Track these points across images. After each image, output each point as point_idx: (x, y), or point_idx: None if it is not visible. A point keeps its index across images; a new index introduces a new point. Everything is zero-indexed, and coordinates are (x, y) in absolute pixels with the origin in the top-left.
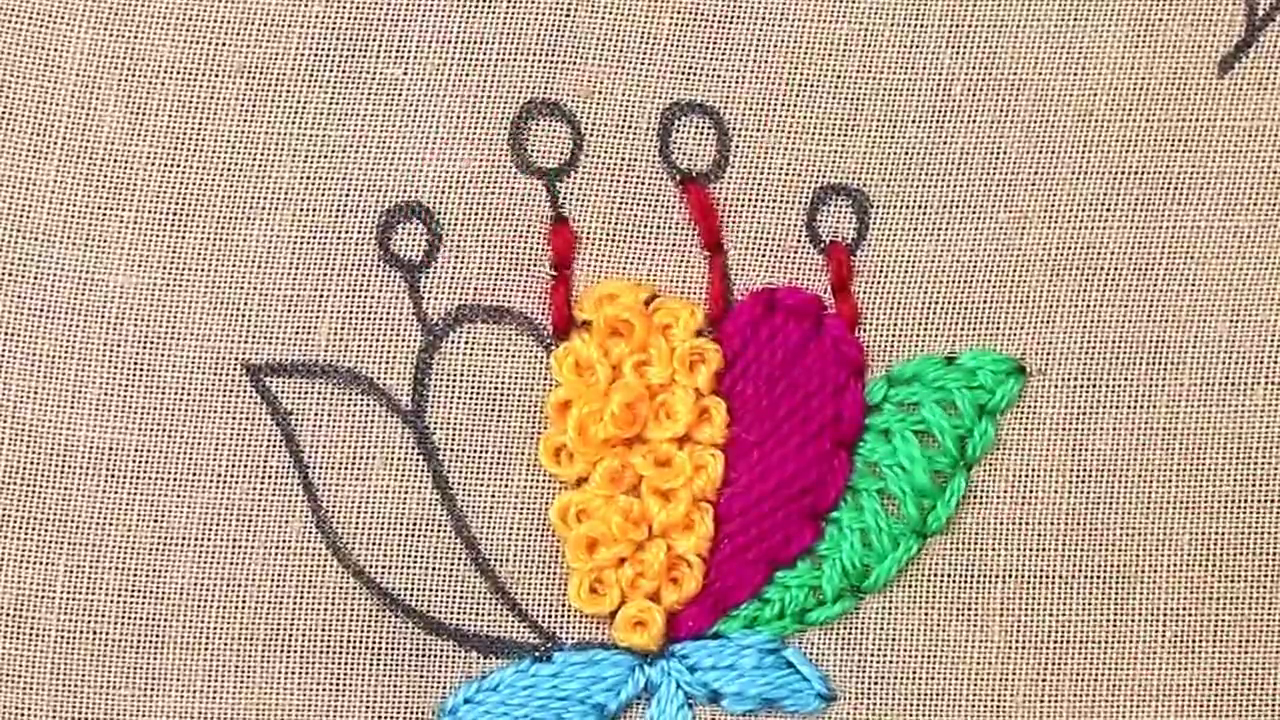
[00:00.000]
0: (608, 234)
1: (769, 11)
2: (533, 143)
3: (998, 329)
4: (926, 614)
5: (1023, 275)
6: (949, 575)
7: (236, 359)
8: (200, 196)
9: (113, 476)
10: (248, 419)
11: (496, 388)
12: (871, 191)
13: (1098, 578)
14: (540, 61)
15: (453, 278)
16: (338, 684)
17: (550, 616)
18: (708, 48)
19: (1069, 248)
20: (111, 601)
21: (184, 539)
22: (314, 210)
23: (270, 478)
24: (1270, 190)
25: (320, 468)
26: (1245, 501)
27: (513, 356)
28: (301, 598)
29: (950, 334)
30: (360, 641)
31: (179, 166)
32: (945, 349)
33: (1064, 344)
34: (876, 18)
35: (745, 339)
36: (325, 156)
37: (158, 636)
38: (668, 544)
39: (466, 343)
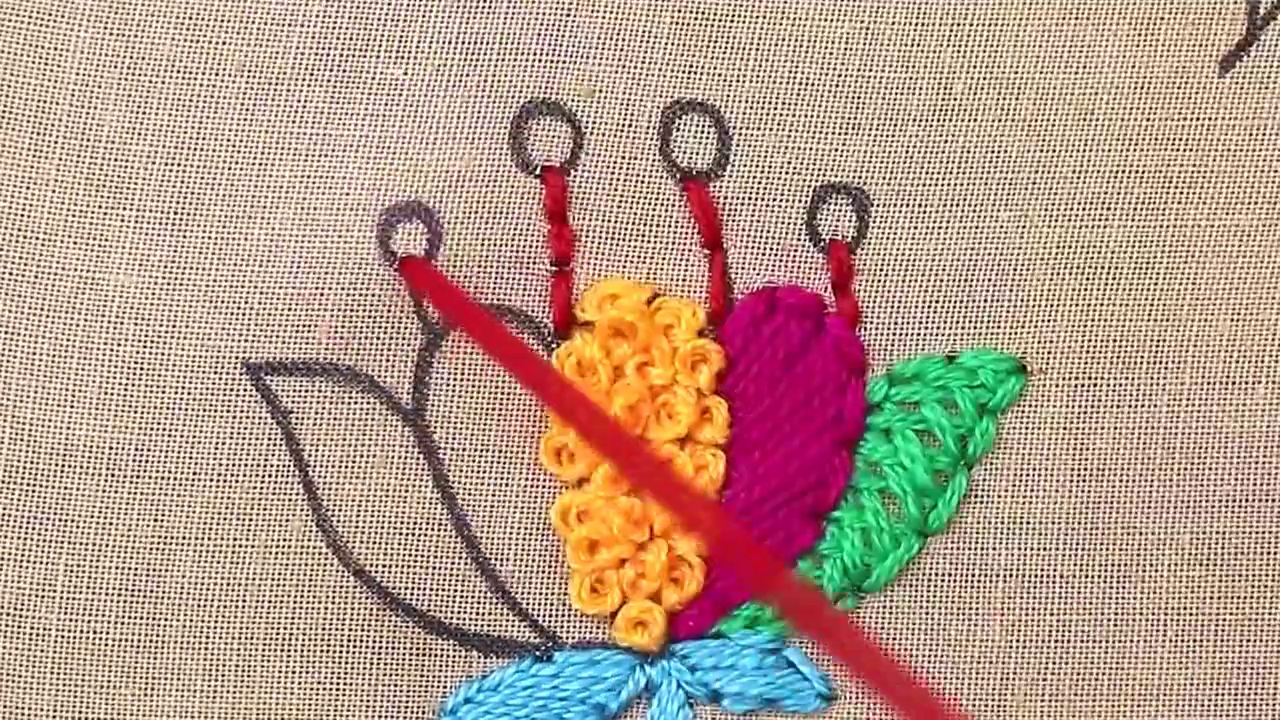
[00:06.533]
0: (608, 233)
1: (769, 11)
2: (533, 142)
3: (998, 329)
4: (927, 614)
5: (1023, 275)
6: (950, 575)
7: (236, 359)
8: (200, 196)
9: (113, 476)
10: (248, 419)
11: (497, 388)
12: (872, 190)
13: (1098, 578)
14: (540, 61)
15: (453, 277)
16: (338, 684)
17: (551, 616)
18: (708, 47)
19: (1069, 247)
20: (111, 601)
21: (184, 539)
22: (314, 210)
23: (270, 477)
24: (1270, 190)
25: (320, 467)
26: (1245, 502)
27: None
28: (301, 598)
29: (951, 333)
30: (360, 641)
31: (179, 166)
32: (946, 348)
33: (1064, 344)
34: (877, 17)
35: (746, 339)
36: (325, 156)
37: (158, 636)
38: (669, 544)
39: (467, 342)
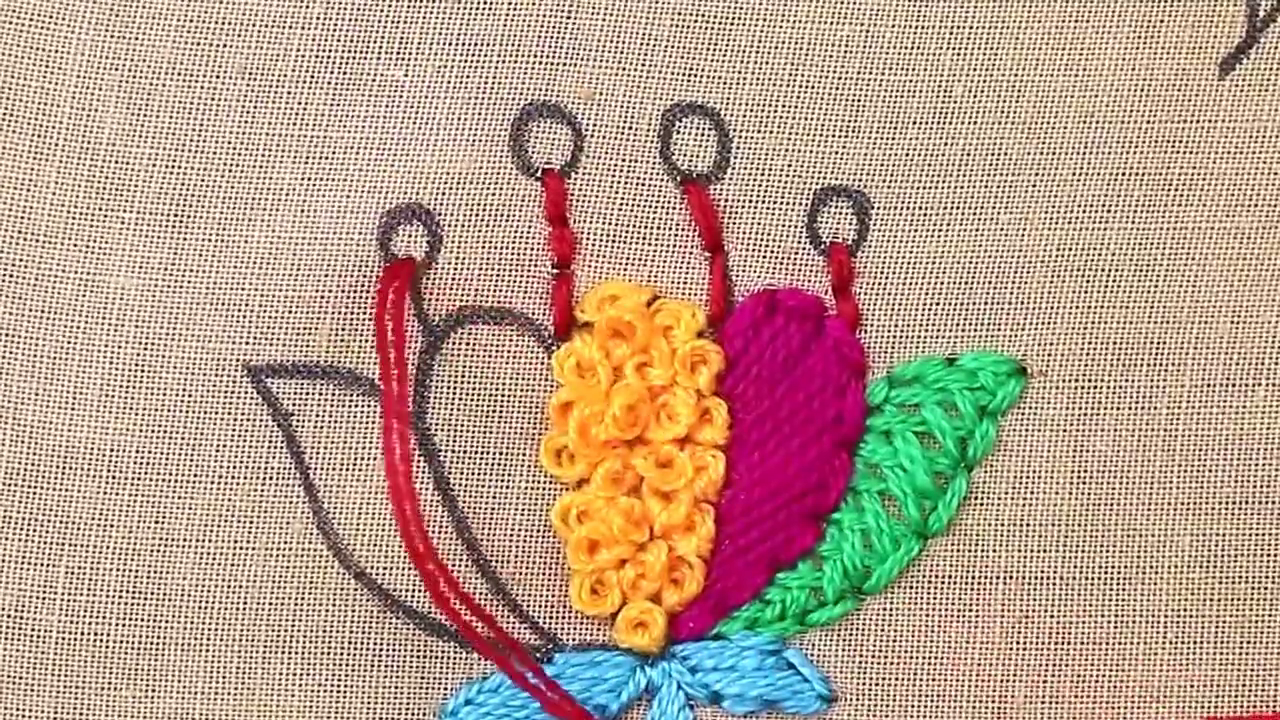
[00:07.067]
0: (608, 235)
1: (769, 13)
2: (533, 145)
3: (998, 329)
4: (927, 615)
5: (1023, 276)
6: (949, 576)
7: (237, 360)
8: (200, 196)
9: (113, 477)
10: (248, 420)
11: (497, 388)
12: (872, 192)
13: (1098, 578)
14: (540, 62)
15: (453, 278)
16: (338, 684)
17: (551, 618)
18: (708, 50)
19: (1069, 248)
20: (111, 602)
21: (184, 539)
22: (314, 210)
23: (271, 479)
24: (1270, 190)
25: (321, 468)
26: (1245, 502)
27: (514, 357)
28: (301, 598)
29: (951, 334)
30: (360, 642)
31: (179, 166)
32: (946, 350)
33: (1064, 344)
34: (877, 19)
35: (746, 340)
36: (325, 156)
37: (158, 637)
38: (669, 545)
39: (467, 343)
